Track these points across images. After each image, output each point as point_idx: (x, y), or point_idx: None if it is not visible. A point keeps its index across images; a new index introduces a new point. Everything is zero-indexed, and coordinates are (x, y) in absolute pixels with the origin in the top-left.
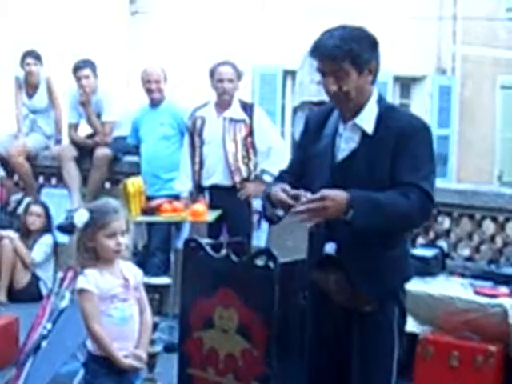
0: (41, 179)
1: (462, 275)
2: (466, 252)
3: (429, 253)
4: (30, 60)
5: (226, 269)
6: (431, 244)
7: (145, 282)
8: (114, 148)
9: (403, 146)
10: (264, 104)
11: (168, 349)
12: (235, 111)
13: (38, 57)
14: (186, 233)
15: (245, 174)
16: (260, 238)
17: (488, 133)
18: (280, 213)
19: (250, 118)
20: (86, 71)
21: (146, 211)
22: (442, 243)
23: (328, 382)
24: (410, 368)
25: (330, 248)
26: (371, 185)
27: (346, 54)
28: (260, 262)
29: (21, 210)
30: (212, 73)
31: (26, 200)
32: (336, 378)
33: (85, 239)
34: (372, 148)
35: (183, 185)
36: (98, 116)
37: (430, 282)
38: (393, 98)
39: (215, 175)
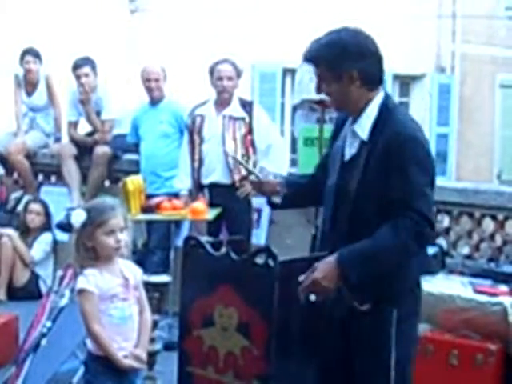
0: (40, 177)
1: (462, 273)
2: (466, 250)
3: (428, 251)
4: (29, 58)
5: (226, 267)
6: (431, 242)
7: (144, 280)
8: (113, 146)
9: (391, 159)
10: (263, 102)
11: (168, 347)
12: (235, 109)
13: (37, 55)
14: (185, 231)
15: (244, 172)
16: (260, 236)
17: (487, 131)
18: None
19: (250, 115)
20: (86, 69)
21: (145, 209)
22: (442, 241)
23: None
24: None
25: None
26: (366, 190)
27: (320, 60)
28: (260, 259)
29: (20, 208)
30: (211, 71)
31: (26, 198)
32: (341, 378)
33: (84, 239)
34: (367, 154)
35: (183, 183)
36: (98, 114)
37: (430, 280)
38: (392, 96)
39: (215, 173)
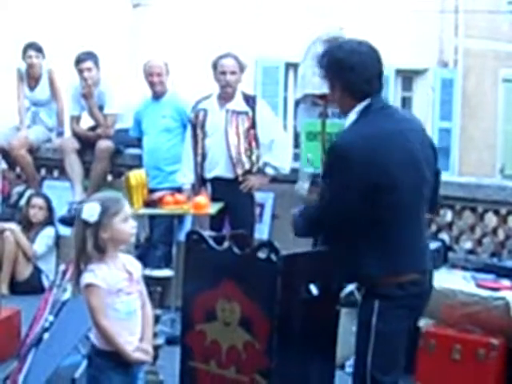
0: (43, 171)
1: (464, 268)
2: (468, 245)
3: (431, 246)
4: (31, 52)
5: (229, 261)
6: (433, 237)
7: (147, 274)
8: (116, 140)
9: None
10: (266, 97)
11: (170, 341)
12: (238, 103)
13: (39, 49)
14: (188, 225)
15: (247, 167)
16: (262, 230)
17: (490, 126)
18: None
19: (253, 110)
20: (88, 63)
21: (148, 204)
22: (444, 236)
23: None
24: (413, 361)
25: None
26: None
27: (321, 67)
28: (262, 254)
29: (23, 202)
30: (215, 65)
31: (28, 192)
32: None
33: (101, 231)
34: None
35: (185, 177)
36: (100, 108)
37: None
38: (395, 91)
39: (217, 167)
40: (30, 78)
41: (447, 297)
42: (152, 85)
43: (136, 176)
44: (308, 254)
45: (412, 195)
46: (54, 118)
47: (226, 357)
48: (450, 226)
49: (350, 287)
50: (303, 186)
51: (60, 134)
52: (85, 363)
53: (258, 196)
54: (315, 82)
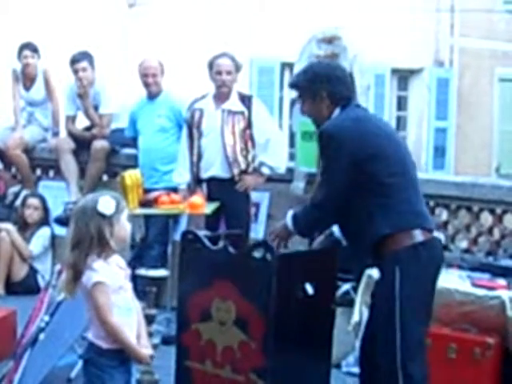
0: (38, 171)
1: (460, 267)
2: (464, 244)
3: None
4: (27, 52)
5: (224, 261)
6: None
7: (142, 274)
8: (111, 140)
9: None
10: (262, 96)
11: (166, 341)
12: (233, 103)
13: (35, 49)
14: (183, 225)
15: (243, 166)
16: (258, 230)
17: (486, 125)
18: None
19: (249, 110)
20: (84, 63)
21: (143, 204)
22: (440, 235)
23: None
24: None
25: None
26: None
27: (297, 87)
28: (257, 253)
29: (18, 202)
30: (210, 65)
31: (24, 192)
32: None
33: (113, 226)
34: None
35: (181, 177)
36: (96, 108)
37: None
38: (390, 90)
39: (213, 167)
40: (26, 78)
41: (443, 296)
42: (147, 85)
43: (131, 176)
44: (303, 253)
45: (403, 163)
46: (50, 118)
47: (221, 356)
48: (445, 225)
49: (346, 286)
50: (299, 185)
51: (55, 134)
52: (81, 363)
53: (254, 196)
54: None
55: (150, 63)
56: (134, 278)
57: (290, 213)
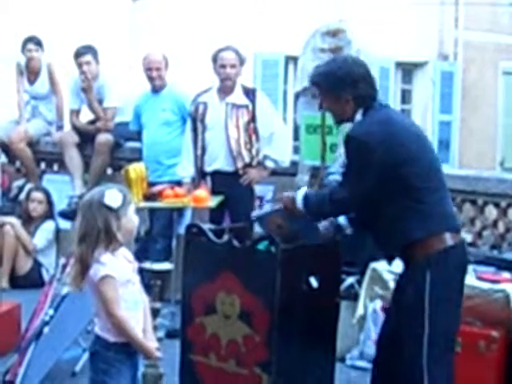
0: (42, 165)
1: None
2: (469, 238)
3: None
4: (31, 46)
5: (228, 254)
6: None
7: (147, 267)
8: (115, 134)
9: (345, 155)
10: (266, 89)
11: (170, 335)
12: (238, 96)
13: (39, 43)
14: (187, 218)
15: (247, 160)
16: None
17: (490, 119)
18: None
19: (253, 103)
20: (88, 57)
21: (147, 197)
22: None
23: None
24: None
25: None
26: None
27: (320, 86)
28: (262, 247)
29: (22, 196)
30: (215, 58)
31: (28, 186)
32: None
33: (120, 219)
34: None
35: (185, 170)
36: (100, 102)
37: None
38: (395, 84)
39: (217, 161)
40: (30, 72)
41: None
42: (151, 79)
43: (136, 169)
44: (307, 246)
45: (432, 163)
46: (54, 112)
47: (225, 350)
48: None
49: (350, 280)
50: (303, 178)
51: (60, 127)
52: (85, 357)
53: (258, 189)
54: None
55: (154, 57)
56: (139, 272)
57: (302, 192)
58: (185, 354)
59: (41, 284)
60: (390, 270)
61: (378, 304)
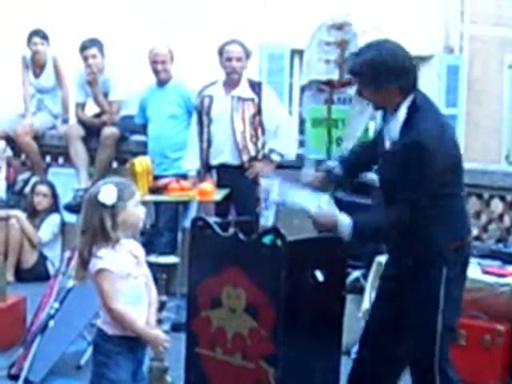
0: (48, 159)
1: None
2: (474, 231)
3: None
4: (36, 39)
5: (234, 247)
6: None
7: (152, 261)
8: (121, 127)
9: (403, 158)
10: (271, 83)
11: (176, 328)
12: (243, 90)
13: (44, 36)
14: (193, 212)
15: (253, 153)
16: (267, 217)
17: (495, 112)
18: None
19: (258, 96)
20: (93, 50)
21: (153, 190)
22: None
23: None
24: None
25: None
26: (390, 183)
27: (363, 75)
28: (268, 240)
29: (28, 189)
30: (220, 51)
31: (33, 179)
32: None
33: (117, 214)
34: (393, 152)
35: (191, 164)
36: (105, 95)
37: None
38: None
39: (223, 154)
40: (35, 65)
41: None
42: (156, 72)
43: (141, 163)
44: (313, 239)
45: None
46: (59, 105)
47: (231, 343)
48: None
49: (356, 273)
50: (308, 172)
51: (65, 121)
52: (90, 350)
53: (264, 182)
54: (320, 68)
55: (159, 50)
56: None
57: (346, 220)
58: (190, 347)
59: (46, 277)
60: None
61: None
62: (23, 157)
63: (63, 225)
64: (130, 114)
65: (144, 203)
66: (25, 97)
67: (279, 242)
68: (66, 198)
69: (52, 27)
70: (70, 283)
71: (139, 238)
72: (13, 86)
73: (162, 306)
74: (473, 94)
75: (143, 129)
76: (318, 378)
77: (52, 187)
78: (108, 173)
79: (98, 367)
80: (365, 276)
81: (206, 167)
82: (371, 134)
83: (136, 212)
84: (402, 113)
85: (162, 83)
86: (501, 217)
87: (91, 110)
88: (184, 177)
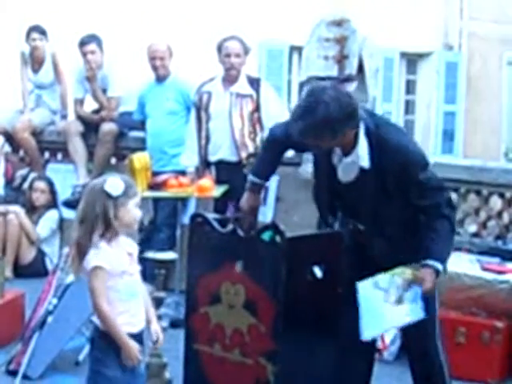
0: (46, 154)
1: (469, 251)
2: (473, 228)
3: None
4: (35, 35)
5: (233, 244)
6: None
7: (151, 257)
8: (119, 123)
9: (407, 177)
10: (270, 79)
11: (174, 324)
12: (242, 86)
13: (43, 32)
14: (192, 208)
15: (251, 150)
16: (266, 213)
17: (495, 109)
18: None
19: (257, 92)
20: (92, 46)
21: (152, 187)
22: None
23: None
24: None
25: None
26: (380, 198)
27: (318, 136)
28: (266, 236)
29: (26, 185)
30: (219, 48)
31: (32, 175)
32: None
33: (117, 208)
34: (372, 176)
35: (189, 160)
36: (104, 91)
37: None
38: (399, 74)
39: (221, 150)
40: (34, 61)
41: (452, 280)
42: (155, 68)
43: (140, 159)
44: (312, 236)
45: None
46: (58, 101)
47: (230, 339)
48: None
49: None
50: (307, 169)
51: (64, 116)
52: (88, 346)
53: None
54: (319, 65)
55: (158, 46)
56: (143, 261)
57: (438, 264)
58: (189, 343)
59: (44, 273)
60: None
61: None
62: (21, 153)
63: (61, 221)
64: (129, 110)
65: (142, 199)
66: (23, 93)
67: (278, 239)
68: (64, 193)
69: (51, 23)
70: (69, 279)
71: (138, 235)
72: (11, 81)
73: (160, 303)
74: (472, 90)
75: (142, 125)
76: (317, 373)
77: (50, 183)
78: (106, 169)
79: (95, 363)
80: None
81: (205, 163)
82: None
83: (134, 212)
84: (363, 142)
85: (160, 79)
86: (500, 214)
87: (90, 105)
88: (183, 173)
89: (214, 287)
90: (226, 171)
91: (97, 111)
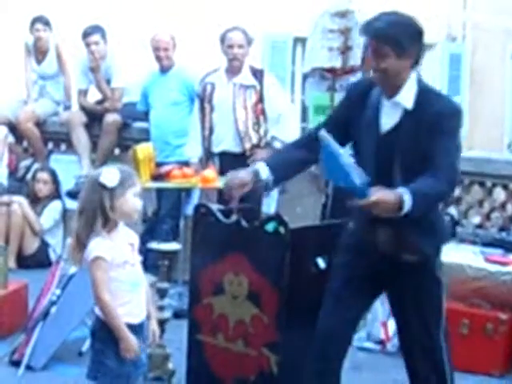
0: (50, 145)
1: (473, 243)
2: (477, 219)
3: None
4: (39, 26)
5: (236, 234)
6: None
7: (154, 248)
8: (123, 114)
9: (441, 126)
10: (274, 71)
11: (177, 315)
12: (245, 77)
13: (47, 22)
14: (195, 199)
15: (255, 141)
16: (269, 204)
17: (498, 101)
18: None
19: (260, 83)
20: (96, 37)
21: (155, 177)
22: (453, 211)
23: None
24: None
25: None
26: (413, 156)
27: (389, 37)
28: (270, 227)
29: (30, 176)
30: (222, 38)
31: (35, 166)
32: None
33: (115, 199)
34: (412, 122)
35: (193, 151)
36: (108, 82)
37: None
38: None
39: (225, 141)
40: (38, 52)
41: (455, 271)
42: (159, 59)
43: (143, 150)
44: (316, 227)
45: None
46: (62, 92)
47: (233, 330)
48: (458, 200)
49: None
50: None
51: (67, 107)
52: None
53: None
54: (323, 56)
55: (161, 37)
56: (146, 252)
57: (407, 195)
58: (192, 334)
59: (48, 264)
60: None
61: None
62: (25, 143)
63: (65, 211)
64: (133, 101)
65: (146, 190)
66: (27, 83)
67: (282, 230)
68: (68, 184)
69: (55, 14)
70: (72, 270)
71: (141, 225)
72: (15, 72)
73: (163, 293)
74: (475, 82)
75: (145, 116)
76: None
77: (53, 174)
78: (110, 159)
79: (96, 354)
80: None
81: (208, 154)
82: None
83: (133, 202)
84: (412, 85)
85: (164, 70)
86: (503, 205)
87: (93, 96)
88: (186, 164)
89: (218, 278)
90: (230, 162)
91: (100, 102)
